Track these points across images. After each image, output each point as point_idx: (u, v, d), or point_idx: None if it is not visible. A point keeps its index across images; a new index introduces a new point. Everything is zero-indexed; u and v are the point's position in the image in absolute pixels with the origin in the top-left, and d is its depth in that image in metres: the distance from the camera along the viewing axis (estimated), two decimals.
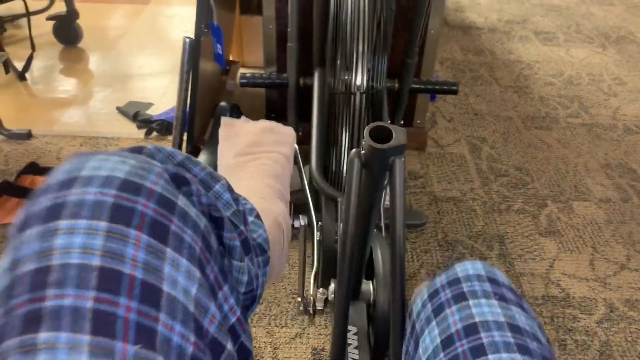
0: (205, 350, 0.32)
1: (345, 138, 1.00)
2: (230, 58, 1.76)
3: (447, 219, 1.27)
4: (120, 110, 1.60)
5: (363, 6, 0.94)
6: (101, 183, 0.32)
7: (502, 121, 1.64)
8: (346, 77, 0.95)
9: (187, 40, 1.18)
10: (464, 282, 0.48)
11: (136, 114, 1.55)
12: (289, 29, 1.08)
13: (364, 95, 0.96)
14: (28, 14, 1.71)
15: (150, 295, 0.30)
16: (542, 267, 1.17)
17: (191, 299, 0.32)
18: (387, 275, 0.75)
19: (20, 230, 0.31)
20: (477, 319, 0.44)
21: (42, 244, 0.30)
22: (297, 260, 0.87)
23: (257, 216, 0.48)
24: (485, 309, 0.44)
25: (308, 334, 1.00)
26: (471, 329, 0.43)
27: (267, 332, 1.00)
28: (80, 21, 1.93)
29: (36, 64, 1.82)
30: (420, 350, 0.47)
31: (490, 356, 0.40)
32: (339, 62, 0.99)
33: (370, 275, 0.79)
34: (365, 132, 0.50)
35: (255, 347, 0.99)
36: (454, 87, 1.19)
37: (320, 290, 0.78)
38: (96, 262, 0.29)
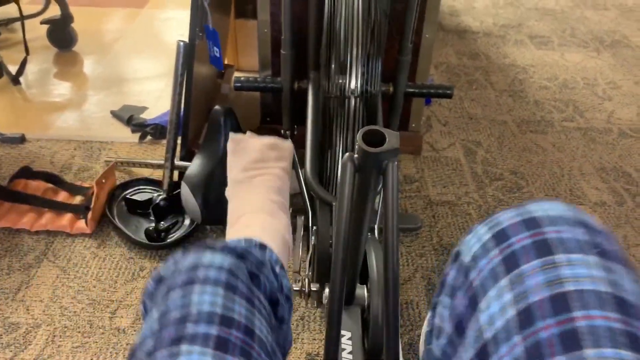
0: None
1: (339, 142, 0.99)
2: (225, 62, 1.75)
3: (442, 222, 1.27)
4: (115, 114, 1.59)
5: (357, 10, 0.94)
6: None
7: (497, 125, 1.65)
8: (341, 81, 0.95)
9: (181, 43, 1.18)
10: (546, 225, 0.35)
11: (130, 118, 1.55)
12: (282, 37, 1.08)
13: (359, 99, 0.96)
14: (22, 17, 1.70)
15: None
16: None
17: None
18: (381, 279, 0.74)
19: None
20: (569, 287, 0.31)
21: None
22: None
23: (282, 266, 0.57)
24: (581, 271, 0.32)
25: (302, 339, 0.99)
26: (560, 303, 0.30)
27: None
28: (74, 25, 1.93)
29: (30, 67, 1.81)
30: (483, 319, 0.35)
31: (586, 351, 0.29)
32: (333, 65, 0.99)
33: (365, 280, 0.79)
34: (359, 136, 0.49)
35: None
36: (449, 91, 1.19)
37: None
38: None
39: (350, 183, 0.52)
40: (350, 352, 0.71)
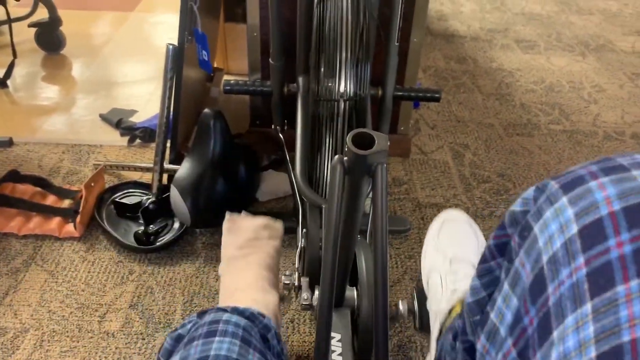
0: None
1: (329, 145, 1.00)
2: (215, 65, 1.76)
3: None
4: (104, 118, 1.59)
5: (346, 14, 0.94)
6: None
7: (484, 128, 1.66)
8: (330, 84, 0.96)
9: (171, 47, 1.18)
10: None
11: (119, 121, 1.54)
12: (271, 50, 1.07)
13: (348, 102, 0.96)
14: (10, 20, 1.69)
15: None
16: None
17: None
18: (371, 281, 0.75)
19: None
20: None
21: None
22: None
23: (275, 332, 0.64)
24: None
25: (292, 341, 0.99)
26: None
27: None
28: (63, 28, 1.91)
29: (18, 70, 1.80)
30: (555, 356, 0.24)
31: None
32: (322, 69, 0.99)
33: (355, 282, 0.80)
34: (348, 139, 0.50)
35: None
36: (437, 95, 1.20)
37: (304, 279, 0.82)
38: None
39: (340, 185, 0.52)
40: (340, 354, 0.71)
